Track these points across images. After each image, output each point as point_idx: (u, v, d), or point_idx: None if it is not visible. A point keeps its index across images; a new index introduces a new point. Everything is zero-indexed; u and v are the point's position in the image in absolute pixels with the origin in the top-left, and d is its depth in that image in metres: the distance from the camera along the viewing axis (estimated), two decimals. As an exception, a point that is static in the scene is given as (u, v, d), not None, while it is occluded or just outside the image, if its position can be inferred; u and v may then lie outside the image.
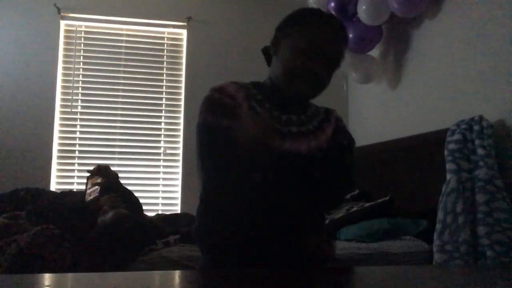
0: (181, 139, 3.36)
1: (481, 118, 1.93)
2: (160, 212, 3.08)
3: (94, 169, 2.11)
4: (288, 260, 1.02)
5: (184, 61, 3.45)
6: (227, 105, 1.06)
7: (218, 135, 1.02)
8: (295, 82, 1.10)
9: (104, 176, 2.04)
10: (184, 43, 3.46)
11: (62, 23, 3.31)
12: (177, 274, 0.68)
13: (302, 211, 1.10)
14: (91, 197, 1.97)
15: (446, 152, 1.97)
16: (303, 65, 1.08)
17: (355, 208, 2.35)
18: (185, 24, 3.43)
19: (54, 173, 3.21)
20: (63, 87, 3.30)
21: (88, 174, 2.12)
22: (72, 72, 3.31)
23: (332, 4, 2.73)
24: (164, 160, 3.37)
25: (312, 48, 1.09)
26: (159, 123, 3.45)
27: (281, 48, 1.13)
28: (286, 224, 1.06)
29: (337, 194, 1.20)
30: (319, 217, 1.20)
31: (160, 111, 3.44)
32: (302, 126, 1.14)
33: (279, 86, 1.13)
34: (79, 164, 3.27)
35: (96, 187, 1.99)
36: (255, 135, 0.96)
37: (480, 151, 1.85)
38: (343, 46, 1.17)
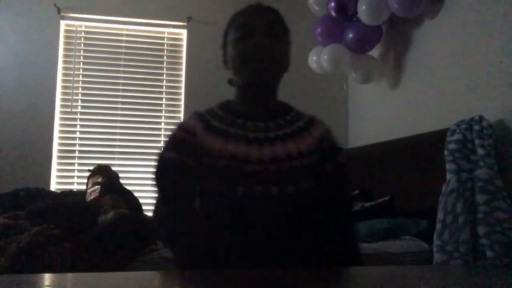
0: (181, 139, 3.35)
1: (481, 118, 1.93)
2: (160, 212, 3.08)
3: (95, 168, 2.11)
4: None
5: (184, 61, 3.45)
6: (189, 144, 1.05)
7: (180, 173, 1.03)
8: (248, 67, 1.07)
9: (105, 176, 2.04)
10: (184, 43, 3.47)
11: (62, 23, 3.31)
12: (177, 274, 0.68)
13: (283, 229, 1.02)
14: (92, 197, 1.97)
15: (446, 152, 1.96)
16: (245, 47, 1.07)
17: (355, 208, 2.35)
18: (185, 24, 3.43)
19: (54, 173, 3.21)
20: (63, 87, 3.30)
21: (89, 174, 2.13)
22: (72, 72, 3.31)
23: (332, 4, 2.73)
24: (164, 160, 3.37)
25: (245, 29, 1.08)
26: (159, 123, 3.45)
27: (228, 55, 1.15)
28: (266, 240, 0.99)
29: (332, 214, 1.08)
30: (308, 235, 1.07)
31: (160, 111, 3.44)
32: (279, 130, 1.08)
33: (242, 88, 1.13)
34: (79, 164, 3.27)
35: (97, 186, 1.99)
36: (223, 154, 1.00)
37: (480, 151, 1.84)
38: (275, 15, 1.13)
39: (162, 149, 1.08)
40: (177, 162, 1.04)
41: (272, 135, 1.07)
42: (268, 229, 1.00)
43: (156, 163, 1.06)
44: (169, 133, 1.11)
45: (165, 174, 1.05)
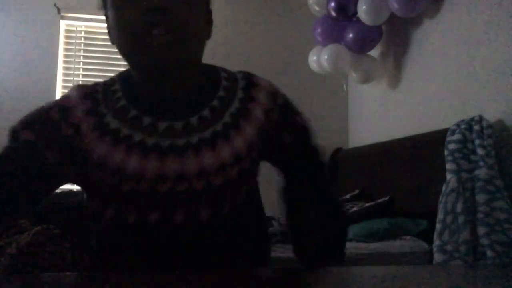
0: (181, 139, 3.35)
1: (481, 118, 1.93)
2: (160, 212, 3.08)
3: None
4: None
5: (184, 61, 3.46)
6: (64, 135, 0.75)
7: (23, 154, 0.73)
8: (140, 48, 0.70)
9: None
10: (184, 43, 3.47)
11: (62, 23, 3.31)
12: (176, 274, 0.68)
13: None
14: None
15: (446, 152, 1.97)
16: (131, 14, 0.69)
17: (355, 208, 2.35)
18: (185, 24, 3.43)
19: (54, 173, 3.21)
20: (63, 87, 3.30)
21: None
22: (72, 72, 3.31)
23: (332, 4, 2.73)
24: (164, 160, 3.37)
25: None
26: (159, 123, 3.45)
27: (109, 27, 0.78)
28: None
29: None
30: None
31: (160, 111, 3.44)
32: (205, 129, 0.78)
33: (141, 77, 0.78)
34: (79, 164, 3.27)
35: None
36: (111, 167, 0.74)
37: (480, 151, 1.85)
38: None
39: (19, 121, 0.79)
40: (28, 148, 0.73)
41: (195, 139, 0.77)
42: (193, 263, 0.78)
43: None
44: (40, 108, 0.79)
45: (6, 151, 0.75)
